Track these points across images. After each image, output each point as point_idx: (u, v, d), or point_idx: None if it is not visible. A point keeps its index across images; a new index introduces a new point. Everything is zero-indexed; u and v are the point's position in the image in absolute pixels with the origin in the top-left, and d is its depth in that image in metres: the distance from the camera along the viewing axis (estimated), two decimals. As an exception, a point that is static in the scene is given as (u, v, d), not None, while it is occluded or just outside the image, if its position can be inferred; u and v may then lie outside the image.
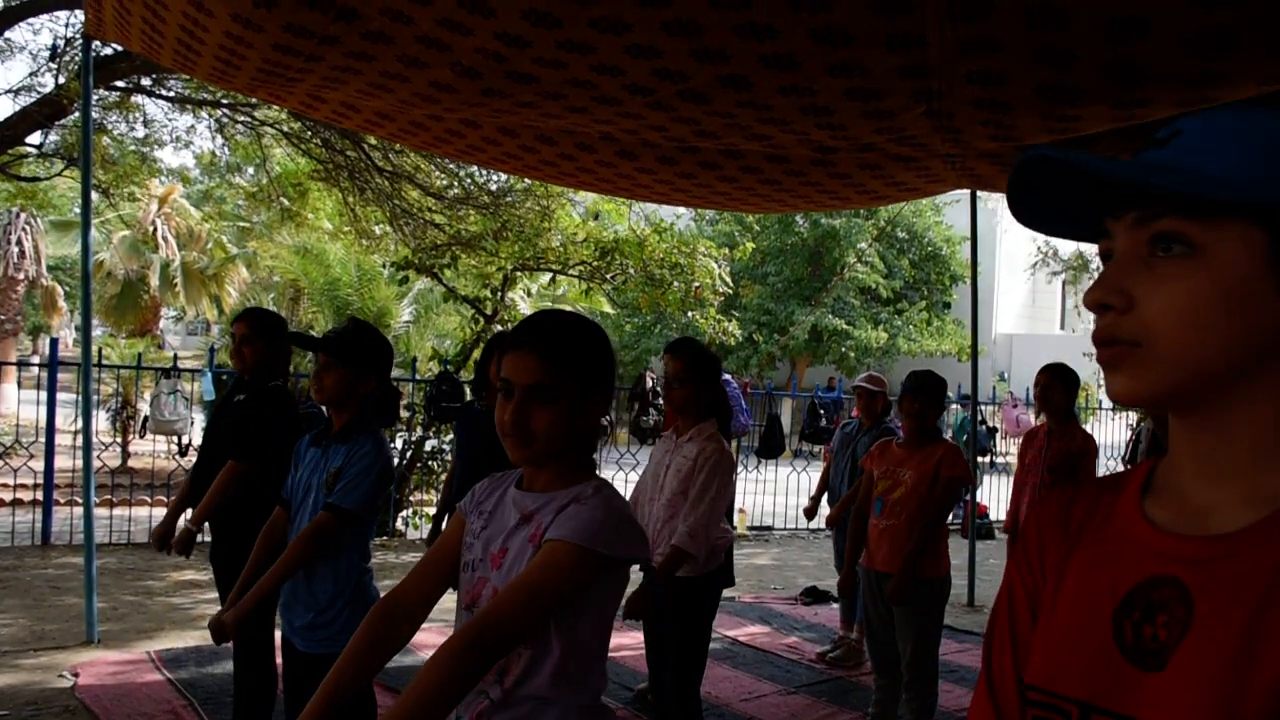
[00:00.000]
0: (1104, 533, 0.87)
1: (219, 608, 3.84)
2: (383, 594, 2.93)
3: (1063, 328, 30.08)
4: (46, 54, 8.84)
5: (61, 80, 8.07)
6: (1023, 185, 0.83)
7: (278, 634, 3.17)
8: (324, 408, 3.14)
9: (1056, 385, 4.62)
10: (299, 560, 2.76)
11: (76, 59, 7.88)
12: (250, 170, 15.06)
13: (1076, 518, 0.90)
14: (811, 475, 9.84)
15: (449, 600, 1.73)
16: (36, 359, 23.88)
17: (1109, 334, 0.80)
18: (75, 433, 6.50)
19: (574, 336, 1.62)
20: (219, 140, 11.13)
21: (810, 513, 6.21)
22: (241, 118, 9.95)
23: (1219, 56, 2.71)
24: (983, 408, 10.76)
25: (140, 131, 10.66)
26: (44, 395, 8.04)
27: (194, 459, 4.57)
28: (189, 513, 3.83)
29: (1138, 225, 0.79)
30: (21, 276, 20.24)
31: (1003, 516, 11.12)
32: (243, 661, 3.71)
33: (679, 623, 3.44)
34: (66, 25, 8.81)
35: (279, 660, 3.31)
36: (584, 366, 1.60)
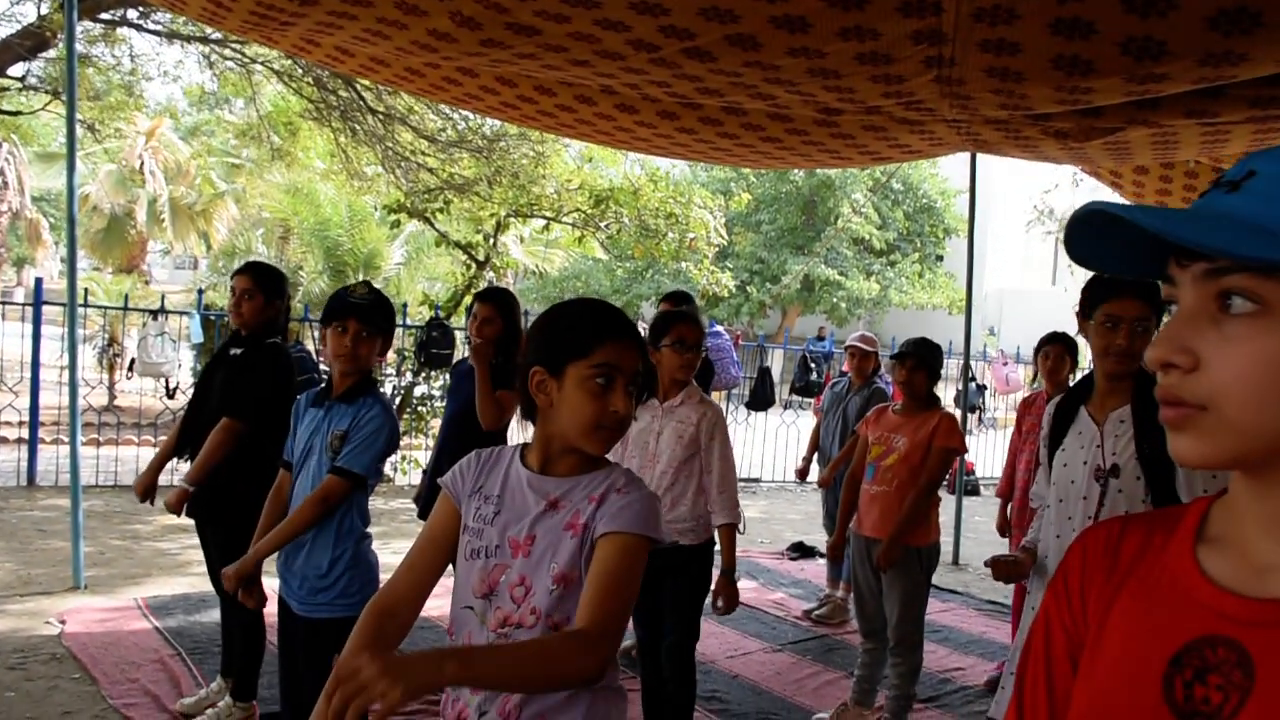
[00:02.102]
0: (1154, 577, 0.82)
1: (203, 557, 3.85)
2: (374, 544, 2.94)
3: (1054, 284, 30.09)
4: (29, -17, 8.61)
5: (44, 11, 7.86)
6: (1080, 228, 0.78)
7: (268, 584, 3.14)
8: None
9: (1066, 359, 4.64)
10: (307, 523, 2.77)
11: (60, -10, 7.67)
12: (240, 104, 14.80)
13: (1126, 555, 0.85)
14: (800, 427, 9.86)
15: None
16: (20, 291, 23.68)
17: (1174, 395, 0.75)
18: (61, 369, 6.43)
19: None
20: (207, 75, 10.91)
21: (802, 474, 6.22)
22: (230, 53, 9.74)
23: (1239, 35, 2.64)
24: (973, 364, 10.77)
25: (126, 65, 10.44)
26: (28, 329, 7.96)
27: (182, 403, 4.49)
28: (180, 468, 3.79)
29: (1205, 278, 0.73)
30: (4, 208, 19.93)
31: (989, 473, 11.35)
32: (229, 610, 3.72)
33: (679, 590, 3.41)
34: (50, -47, 8.56)
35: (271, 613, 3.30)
36: None
